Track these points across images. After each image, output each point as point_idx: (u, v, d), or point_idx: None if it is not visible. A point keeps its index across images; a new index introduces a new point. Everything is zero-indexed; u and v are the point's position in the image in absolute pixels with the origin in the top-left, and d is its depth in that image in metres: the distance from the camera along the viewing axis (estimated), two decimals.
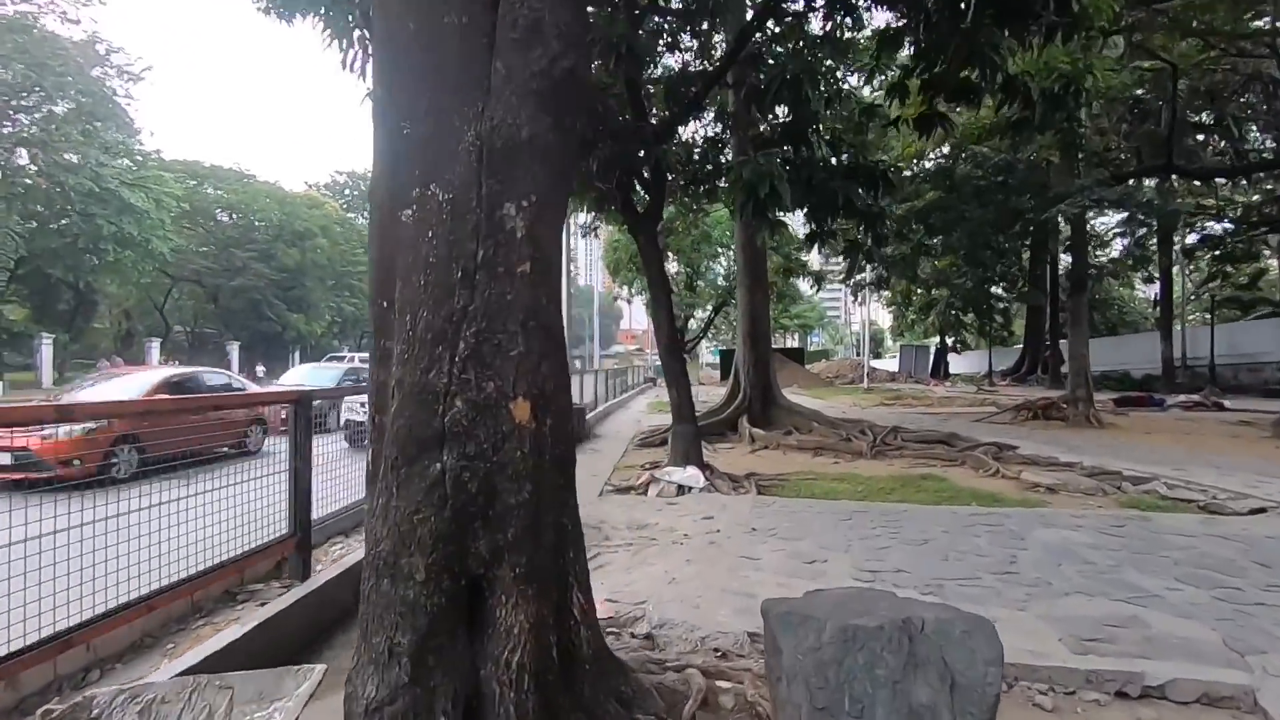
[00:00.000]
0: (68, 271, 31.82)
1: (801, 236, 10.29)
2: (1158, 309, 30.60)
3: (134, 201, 30.99)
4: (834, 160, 6.33)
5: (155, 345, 36.17)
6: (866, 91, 11.57)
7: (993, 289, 24.26)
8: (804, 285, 29.95)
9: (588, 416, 13.30)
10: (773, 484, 7.09)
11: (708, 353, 56.44)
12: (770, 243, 22.37)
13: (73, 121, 29.03)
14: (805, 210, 6.65)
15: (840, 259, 24.99)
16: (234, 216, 43.51)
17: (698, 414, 13.47)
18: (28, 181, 28.85)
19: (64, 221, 30.30)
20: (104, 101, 31.06)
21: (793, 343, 68.11)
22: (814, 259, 24.68)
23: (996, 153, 14.29)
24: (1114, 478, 7.25)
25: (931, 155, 18.11)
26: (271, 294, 41.91)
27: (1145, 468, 7.80)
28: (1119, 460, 8.49)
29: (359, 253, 49.09)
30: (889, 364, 45.97)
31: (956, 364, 38.36)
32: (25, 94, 26.96)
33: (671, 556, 4.38)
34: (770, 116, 6.90)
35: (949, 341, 34.21)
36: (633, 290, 33.39)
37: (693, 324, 39.64)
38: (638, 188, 7.73)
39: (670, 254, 24.99)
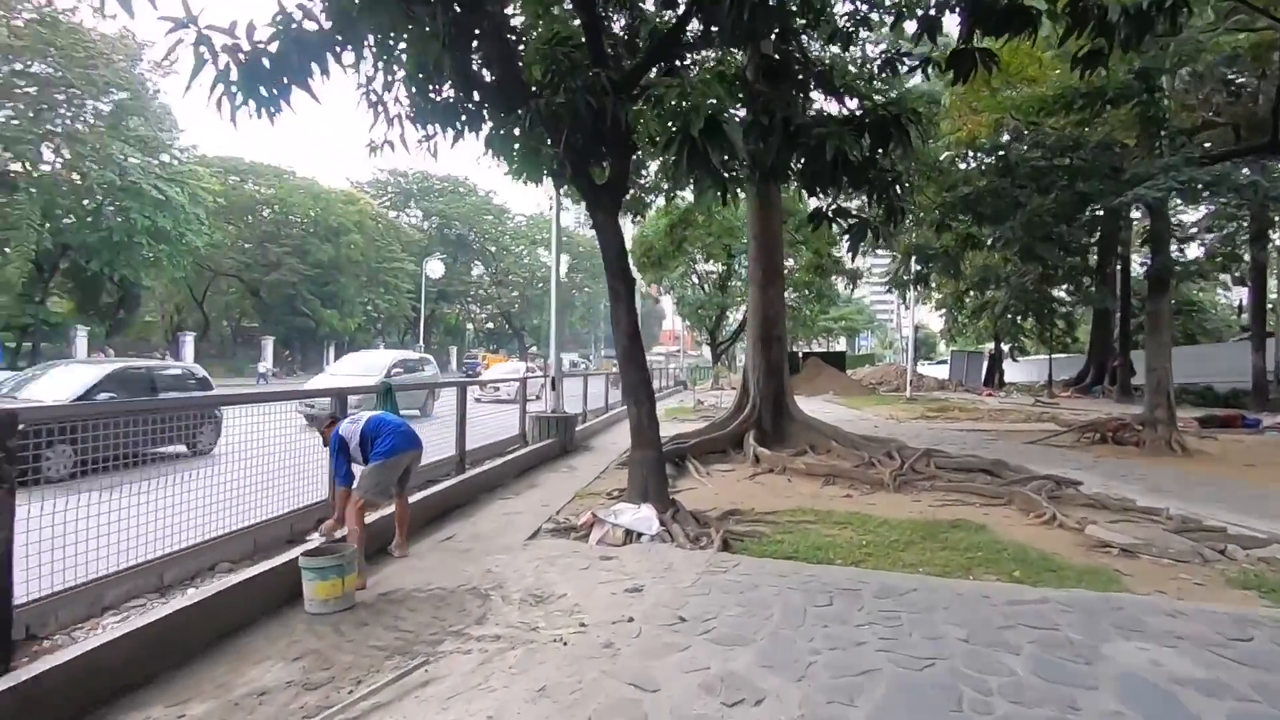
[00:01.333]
0: (103, 265, 32.09)
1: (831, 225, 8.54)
2: (1243, 314, 27.38)
3: (169, 196, 31.06)
4: (835, 106, 4.74)
5: (189, 339, 36.45)
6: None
7: (1055, 290, 21.82)
8: (842, 285, 27.87)
9: (578, 427, 11.88)
10: (751, 530, 5.50)
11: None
12: (798, 236, 20.55)
13: (107, 118, 29.22)
14: (799, 176, 5.08)
15: (888, 254, 22.91)
16: (271, 211, 43.77)
17: (708, 425, 11.95)
18: (69, 177, 29.17)
19: (101, 215, 30.64)
20: (142, 97, 31.27)
21: (839, 346, 65.44)
22: (849, 253, 22.54)
23: (1060, 130, 12.27)
24: (1215, 536, 5.42)
25: (987, 142, 16.06)
26: (306, 289, 41.96)
27: (1256, 521, 5.93)
28: (1216, 506, 6.61)
29: (394, 249, 48.95)
30: (940, 370, 43.07)
31: (1013, 372, 35.48)
32: (56, 89, 27.13)
33: (530, 675, 2.90)
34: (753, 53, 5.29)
35: (1004, 348, 31.55)
36: (662, 288, 31.93)
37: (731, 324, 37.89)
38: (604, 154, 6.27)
39: (695, 249, 23.40)
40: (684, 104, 3.51)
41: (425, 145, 6.27)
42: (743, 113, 5.49)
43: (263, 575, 3.87)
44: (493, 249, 61.37)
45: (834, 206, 5.62)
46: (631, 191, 14.33)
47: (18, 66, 25.89)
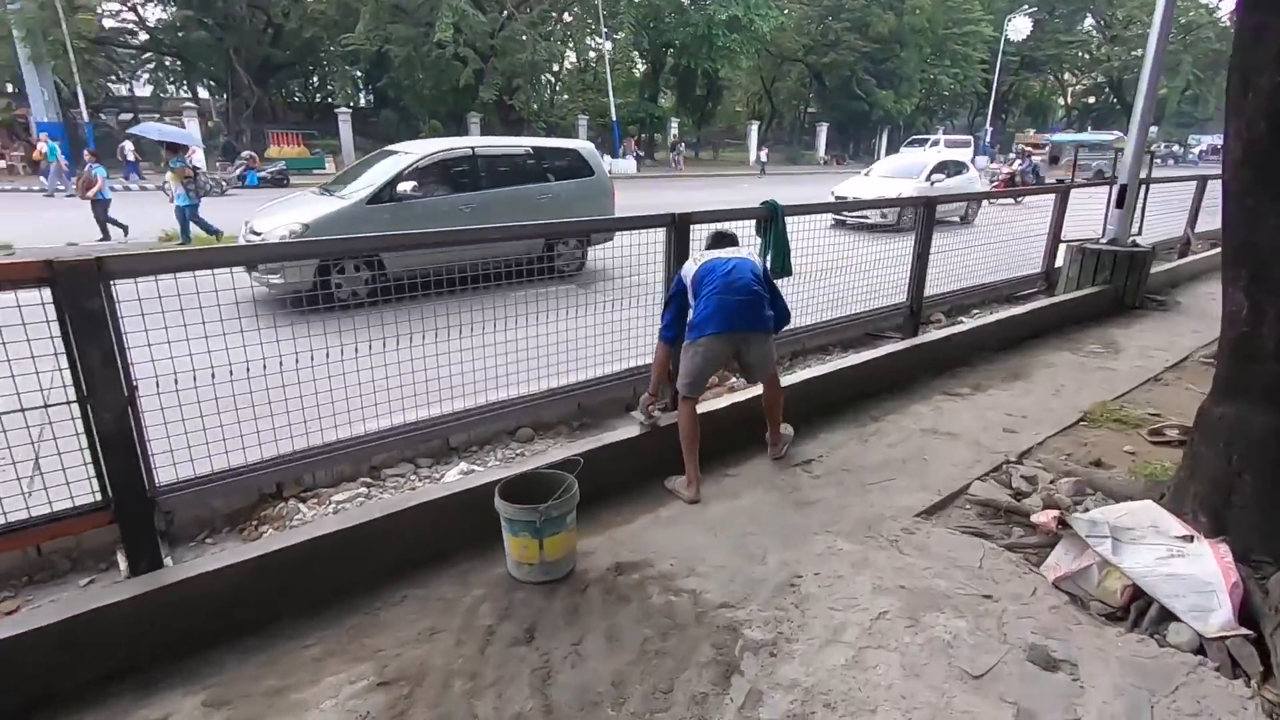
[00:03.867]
0: (690, 60, 35.78)
1: None
2: None
3: None
4: None
5: (754, 128, 38.92)
6: None
7: None
8: None
9: (1159, 268, 7.41)
10: None
11: None
12: None
13: None
14: None
15: None
16: None
17: None
18: None
19: (687, 12, 33.59)
20: None
21: None
22: None
23: None
24: None
25: None
26: (862, 69, 39.26)
27: None
28: None
29: (970, 8, 40.85)
30: None
31: None
32: None
33: None
34: None
35: None
36: None
37: None
38: None
39: None
40: None
41: None
42: None
43: (468, 494, 2.76)
44: None
45: None
46: None
47: None
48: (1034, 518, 2.75)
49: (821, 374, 4.14)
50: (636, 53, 37.64)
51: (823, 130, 40.77)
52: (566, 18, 32.33)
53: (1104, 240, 6.90)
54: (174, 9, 28.72)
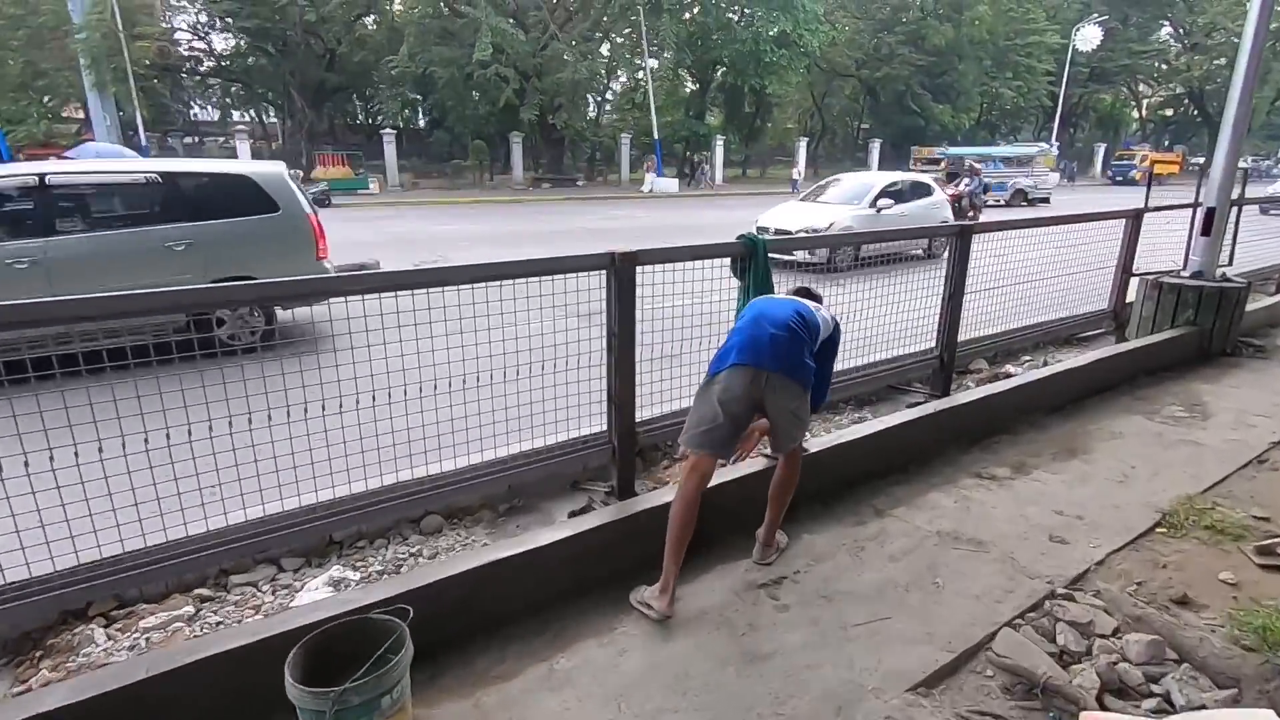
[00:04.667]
0: (737, 76, 35.05)
1: None
2: None
3: None
4: None
5: (802, 144, 37.78)
6: None
7: None
8: None
9: (1255, 305, 6.23)
10: None
11: None
12: None
13: None
14: None
15: None
16: None
17: None
18: None
19: (734, 28, 32.95)
20: None
21: None
22: None
23: None
24: None
25: None
26: (917, 83, 37.77)
27: None
28: None
29: (1033, 19, 38.95)
30: None
31: None
32: None
33: None
34: None
35: None
36: None
37: None
38: None
39: None
40: None
41: None
42: None
43: (279, 639, 2.03)
44: None
45: None
46: None
47: None
48: (1085, 718, 1.85)
49: (817, 450, 3.27)
50: (684, 71, 37.12)
51: (875, 146, 39.30)
52: (617, 39, 32.12)
53: (1186, 273, 5.80)
54: (242, 38, 29.83)
